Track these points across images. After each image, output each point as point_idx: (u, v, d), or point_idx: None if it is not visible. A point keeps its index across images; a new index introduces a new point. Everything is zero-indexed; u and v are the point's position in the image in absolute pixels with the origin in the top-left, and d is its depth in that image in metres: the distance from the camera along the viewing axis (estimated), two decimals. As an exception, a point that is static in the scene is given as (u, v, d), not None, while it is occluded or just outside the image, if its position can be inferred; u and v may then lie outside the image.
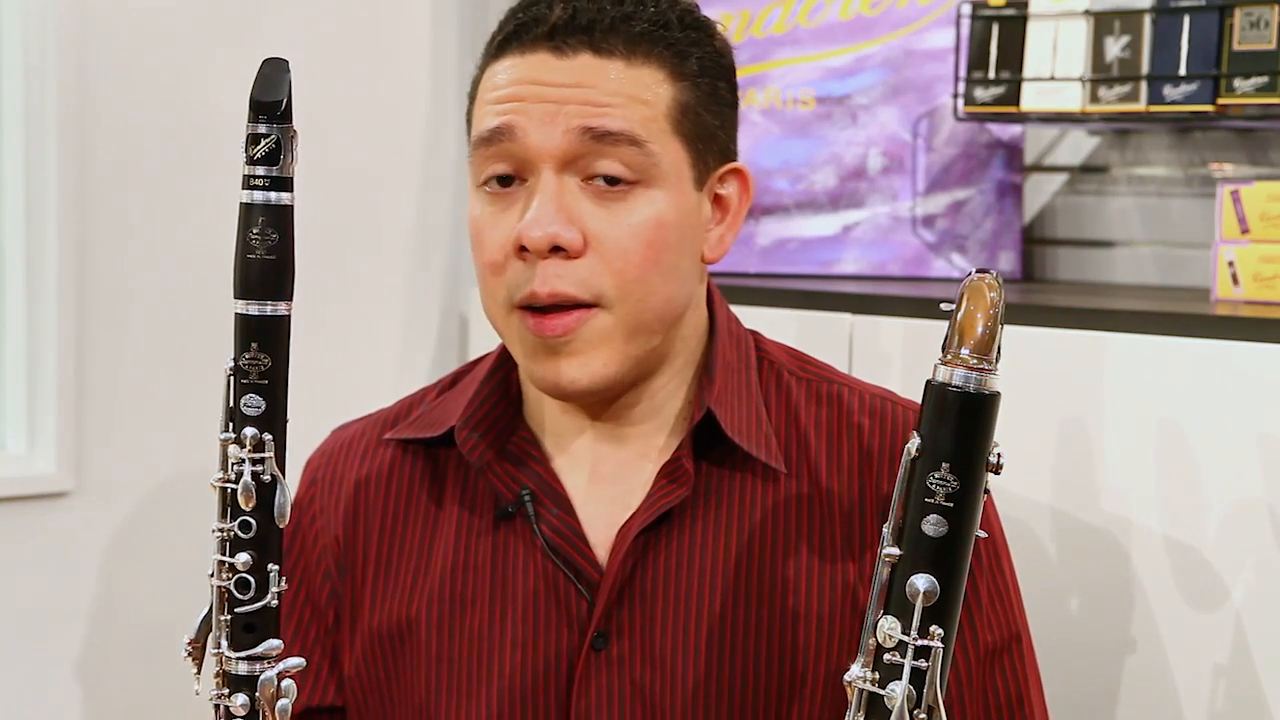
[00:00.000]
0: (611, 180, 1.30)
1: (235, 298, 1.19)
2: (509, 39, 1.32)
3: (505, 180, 1.32)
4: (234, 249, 1.17)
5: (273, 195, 1.16)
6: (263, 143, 1.16)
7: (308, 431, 1.54)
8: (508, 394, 1.41)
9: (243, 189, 1.17)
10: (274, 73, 1.17)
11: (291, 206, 1.17)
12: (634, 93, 1.30)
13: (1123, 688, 1.57)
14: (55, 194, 1.97)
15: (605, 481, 1.37)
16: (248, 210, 1.17)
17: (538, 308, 1.30)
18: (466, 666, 1.36)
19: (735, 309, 1.45)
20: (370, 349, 2.28)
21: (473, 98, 1.36)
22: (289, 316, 1.19)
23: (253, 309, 1.18)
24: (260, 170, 1.16)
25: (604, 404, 1.36)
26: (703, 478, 1.35)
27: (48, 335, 1.99)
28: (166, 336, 2.10)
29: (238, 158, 2.29)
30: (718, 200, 1.38)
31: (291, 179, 1.17)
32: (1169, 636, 1.54)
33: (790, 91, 2.12)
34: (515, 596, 1.35)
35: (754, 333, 1.44)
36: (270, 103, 1.16)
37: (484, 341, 1.49)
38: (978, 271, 1.16)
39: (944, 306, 1.19)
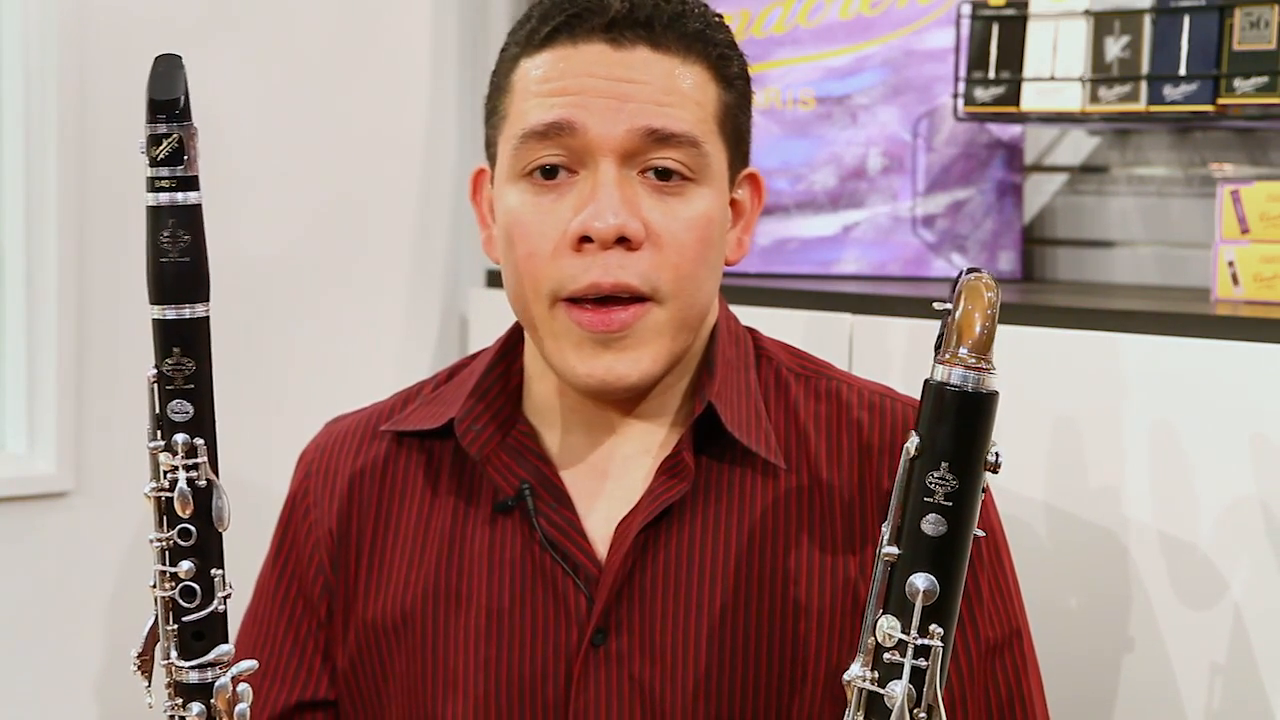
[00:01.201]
0: (664, 175, 1.30)
1: (151, 303, 1.16)
2: (558, 30, 1.31)
3: (551, 172, 1.31)
4: (145, 254, 1.15)
5: (179, 196, 1.14)
6: (165, 143, 1.13)
7: (310, 432, 1.54)
8: (507, 387, 1.41)
9: (148, 192, 1.14)
10: (168, 70, 1.14)
11: (200, 205, 1.15)
12: (690, 92, 1.31)
13: (1121, 686, 1.57)
14: (55, 194, 1.97)
15: (604, 476, 1.37)
16: (155, 213, 1.14)
17: (591, 300, 1.29)
18: (462, 661, 1.36)
19: (735, 309, 1.46)
20: (370, 349, 2.28)
21: (505, 87, 1.35)
22: (208, 317, 1.17)
23: (170, 313, 1.16)
24: (165, 171, 1.13)
25: (615, 400, 1.36)
26: (702, 473, 1.35)
27: (48, 335, 1.98)
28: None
29: (237, 157, 2.30)
30: (733, 204, 1.39)
31: (197, 177, 1.14)
32: (1170, 637, 1.54)
33: (790, 91, 2.12)
34: (512, 591, 1.35)
35: (752, 330, 1.44)
36: (168, 101, 1.13)
37: (484, 341, 1.48)
38: (969, 270, 1.16)
39: (937, 305, 1.19)
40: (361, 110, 2.26)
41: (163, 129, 1.13)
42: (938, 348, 1.21)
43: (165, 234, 1.14)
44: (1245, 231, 1.75)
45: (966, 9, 1.99)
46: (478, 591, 1.36)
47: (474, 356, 1.46)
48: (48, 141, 1.97)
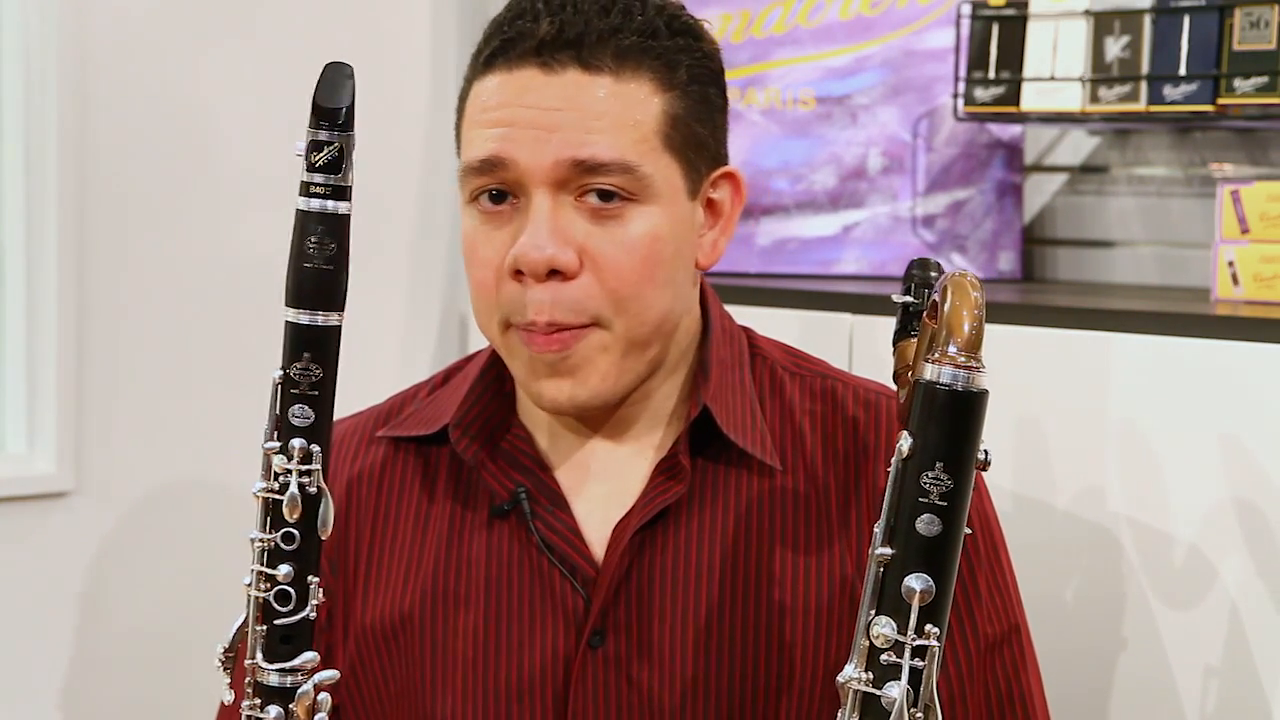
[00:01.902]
0: (603, 196, 1.29)
1: (288, 305, 1.16)
2: (495, 54, 1.31)
3: (498, 197, 1.31)
4: (288, 255, 1.15)
5: (330, 204, 1.14)
6: (325, 150, 1.13)
7: (307, 431, 1.55)
8: (501, 391, 1.41)
9: (300, 195, 1.14)
10: (336, 77, 1.14)
11: (349, 216, 1.15)
12: (623, 112, 1.29)
13: (1116, 683, 1.57)
14: (55, 194, 1.97)
15: (600, 479, 1.37)
16: (305, 218, 1.14)
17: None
18: (461, 664, 1.36)
19: (735, 309, 1.45)
20: (370, 349, 2.28)
21: (462, 111, 1.35)
22: (340, 327, 1.17)
23: (305, 318, 1.16)
24: (320, 178, 1.13)
25: (605, 406, 1.36)
26: (698, 475, 1.35)
27: (48, 335, 1.99)
28: (166, 336, 2.10)
29: (237, 158, 2.30)
30: (710, 205, 1.37)
31: (350, 188, 1.14)
32: (1168, 636, 1.54)
33: (790, 91, 2.12)
34: (510, 594, 1.35)
35: (746, 329, 1.44)
36: (334, 109, 1.13)
37: (483, 342, 1.49)
38: (918, 261, 1.16)
39: (896, 299, 1.19)
40: (361, 110, 2.26)
41: (324, 135, 1.13)
42: (895, 341, 1.21)
43: (312, 239, 1.14)
44: (1245, 231, 1.75)
45: (966, 9, 1.99)
46: (475, 595, 1.37)
47: (469, 359, 1.46)
48: (48, 141, 1.97)
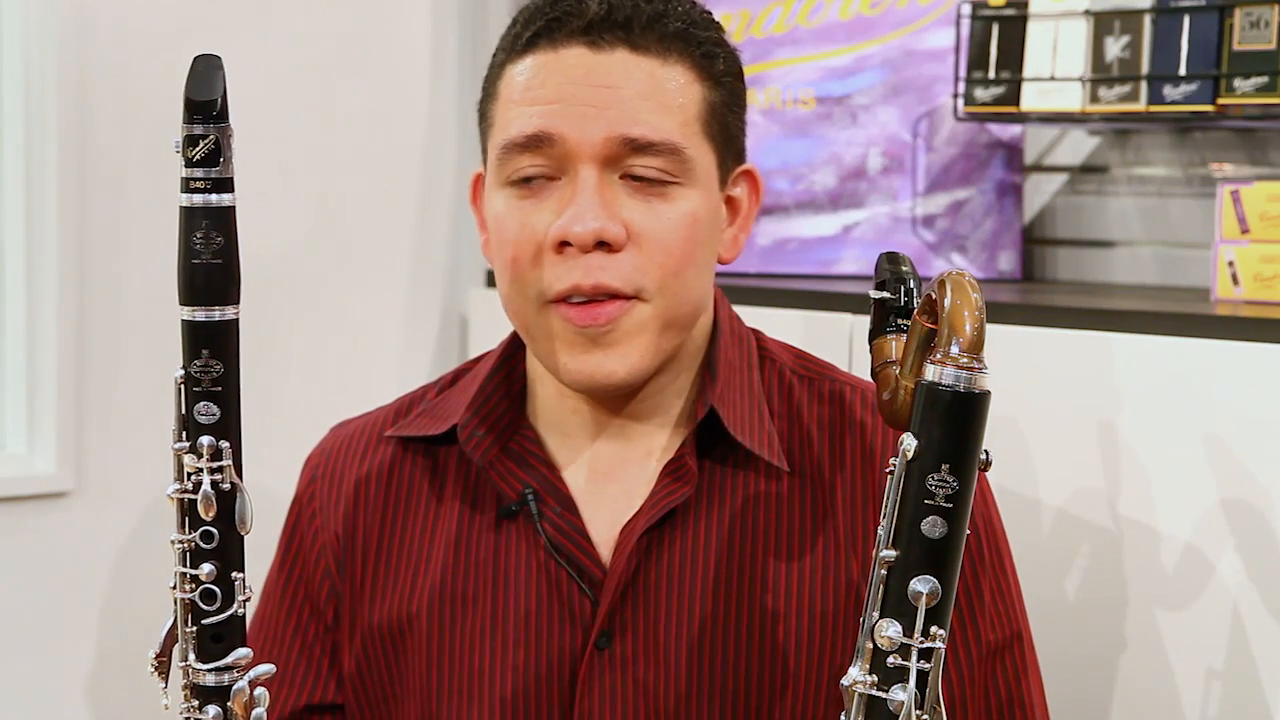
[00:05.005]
0: (649, 177, 1.30)
1: (181, 304, 1.15)
2: (538, 35, 1.31)
3: (536, 178, 1.31)
4: (176, 253, 1.14)
5: (214, 198, 1.13)
6: (201, 144, 1.12)
7: (309, 432, 1.55)
8: (510, 392, 1.41)
9: (182, 192, 1.13)
10: (207, 70, 1.13)
11: (233, 208, 1.14)
12: (670, 96, 1.31)
13: (1117, 686, 1.57)
14: (55, 194, 1.97)
15: (608, 480, 1.37)
16: (189, 214, 1.13)
17: (576, 300, 1.30)
18: (468, 665, 1.36)
19: (736, 309, 1.45)
20: (370, 349, 2.28)
21: (493, 94, 1.35)
22: (237, 320, 1.17)
23: (200, 315, 1.15)
24: (199, 172, 1.12)
25: (614, 401, 1.36)
26: (705, 476, 1.35)
27: (48, 335, 1.98)
28: (166, 336, 2.09)
29: (236, 157, 2.29)
30: (729, 201, 1.38)
31: (232, 179, 1.14)
32: (1169, 637, 1.54)
33: (790, 91, 2.12)
34: (517, 595, 1.36)
35: (755, 331, 1.44)
36: (206, 102, 1.12)
37: (484, 341, 1.49)
38: (890, 255, 1.15)
39: (873, 294, 1.19)
40: (361, 110, 2.26)
41: (199, 130, 1.12)
42: (872, 338, 1.21)
43: (198, 235, 1.13)
44: (1245, 231, 1.75)
45: (966, 9, 1.99)
46: (483, 596, 1.37)
47: (478, 360, 1.46)
48: (48, 141, 1.97)
